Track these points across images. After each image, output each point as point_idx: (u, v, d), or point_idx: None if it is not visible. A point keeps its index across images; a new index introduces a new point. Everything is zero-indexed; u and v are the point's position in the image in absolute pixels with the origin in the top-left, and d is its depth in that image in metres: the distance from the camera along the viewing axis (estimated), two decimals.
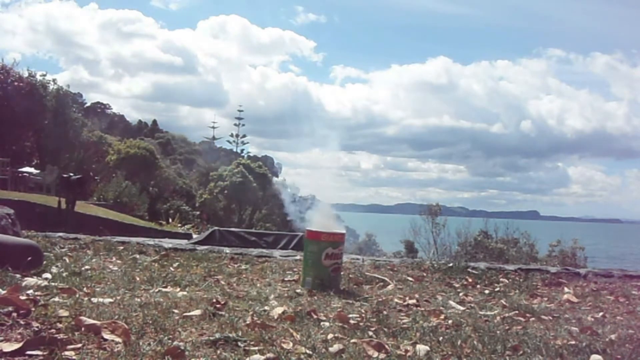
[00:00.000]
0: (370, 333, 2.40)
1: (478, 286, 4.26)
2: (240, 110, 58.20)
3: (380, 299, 3.41)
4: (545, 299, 3.80)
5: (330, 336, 2.26)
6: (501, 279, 4.58)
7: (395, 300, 3.41)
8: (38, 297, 2.42)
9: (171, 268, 4.19)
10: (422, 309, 3.15)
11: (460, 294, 3.84)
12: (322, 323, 2.54)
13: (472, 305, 3.40)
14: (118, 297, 2.76)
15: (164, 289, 3.23)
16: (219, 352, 1.91)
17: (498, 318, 2.98)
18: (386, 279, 4.25)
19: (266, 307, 2.81)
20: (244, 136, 57.81)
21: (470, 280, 4.45)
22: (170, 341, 1.96)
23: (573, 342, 2.35)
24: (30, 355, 1.69)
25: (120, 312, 2.35)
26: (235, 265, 4.61)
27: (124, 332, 1.95)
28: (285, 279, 4.02)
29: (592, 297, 3.83)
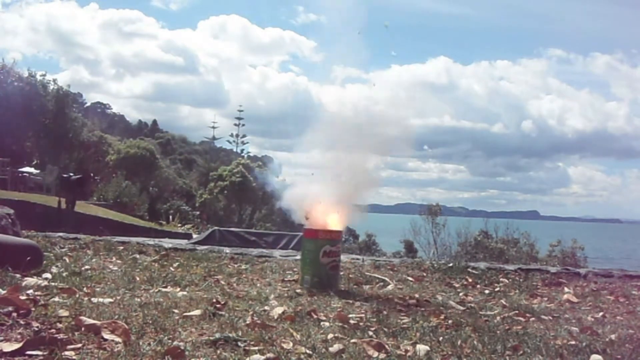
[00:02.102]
0: (370, 333, 2.40)
1: (478, 286, 4.26)
2: (240, 110, 58.04)
3: (380, 299, 3.41)
4: (545, 299, 3.80)
5: (330, 336, 2.26)
6: (501, 279, 4.58)
7: (395, 300, 3.41)
8: (38, 297, 2.42)
9: (171, 268, 4.19)
10: (422, 309, 3.15)
11: (460, 294, 3.84)
12: (322, 323, 2.53)
13: (472, 305, 3.40)
14: (118, 297, 2.76)
15: (164, 289, 3.22)
16: (219, 352, 1.91)
17: (498, 318, 2.98)
18: (386, 279, 4.25)
19: (266, 307, 2.81)
20: (244, 136, 57.65)
21: (470, 280, 4.45)
22: (170, 341, 1.96)
23: (573, 342, 2.35)
24: (30, 355, 1.69)
25: (120, 312, 2.35)
26: (235, 265, 4.61)
27: (124, 332, 1.95)
28: (285, 279, 4.02)
29: (592, 297, 3.83)
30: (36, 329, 1.93)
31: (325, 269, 3.72)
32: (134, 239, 6.09)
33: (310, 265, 3.74)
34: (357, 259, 5.50)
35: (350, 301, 3.26)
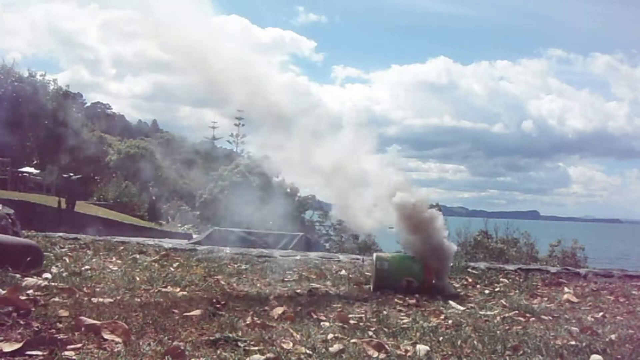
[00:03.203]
0: (370, 333, 2.40)
1: (478, 286, 4.26)
2: (240, 110, 57.92)
3: (380, 299, 3.41)
4: (545, 299, 3.80)
5: (330, 336, 2.26)
6: (501, 279, 4.58)
7: (395, 300, 3.41)
8: (38, 297, 2.42)
9: (171, 268, 4.19)
10: (422, 309, 3.15)
11: (461, 294, 3.84)
12: (322, 323, 2.54)
13: (472, 305, 3.40)
14: (118, 297, 2.76)
15: (164, 289, 3.22)
16: (219, 352, 1.91)
17: (498, 318, 2.98)
18: None
19: (266, 307, 2.81)
20: (244, 136, 57.54)
21: (470, 280, 4.45)
22: (170, 341, 1.96)
23: (573, 342, 2.35)
24: (30, 355, 1.69)
25: (120, 312, 2.35)
26: (235, 265, 4.61)
27: (124, 332, 1.95)
28: (285, 279, 4.02)
29: (592, 297, 3.83)
30: (36, 329, 1.93)
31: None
32: (134, 239, 6.09)
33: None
34: (357, 259, 5.50)
35: (350, 301, 3.26)
